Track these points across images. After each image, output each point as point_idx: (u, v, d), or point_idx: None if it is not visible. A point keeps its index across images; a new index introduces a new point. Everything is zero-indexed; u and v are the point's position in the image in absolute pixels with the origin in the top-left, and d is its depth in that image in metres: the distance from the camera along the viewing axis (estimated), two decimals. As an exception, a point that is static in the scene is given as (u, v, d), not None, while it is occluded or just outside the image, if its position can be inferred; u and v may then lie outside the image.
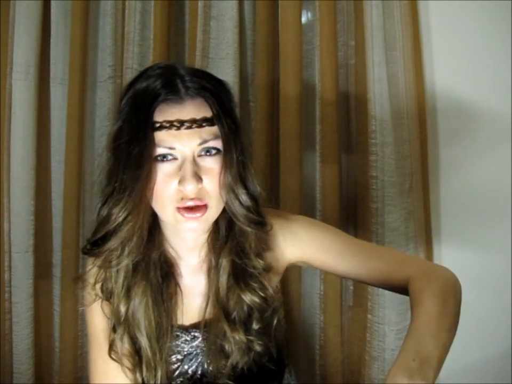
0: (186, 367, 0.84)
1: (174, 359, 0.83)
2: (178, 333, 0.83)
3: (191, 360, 0.83)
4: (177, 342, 0.83)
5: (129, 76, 1.26)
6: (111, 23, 1.29)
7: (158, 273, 0.81)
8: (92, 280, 0.82)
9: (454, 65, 1.30)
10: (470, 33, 1.28)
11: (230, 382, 0.80)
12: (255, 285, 0.81)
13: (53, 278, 1.36)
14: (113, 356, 0.80)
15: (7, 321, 1.32)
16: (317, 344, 1.35)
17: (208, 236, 0.83)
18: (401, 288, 0.81)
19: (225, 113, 0.74)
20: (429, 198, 1.32)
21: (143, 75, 0.76)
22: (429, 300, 0.73)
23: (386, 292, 1.25)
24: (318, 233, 0.87)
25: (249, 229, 0.78)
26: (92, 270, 0.82)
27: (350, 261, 0.84)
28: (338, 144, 1.29)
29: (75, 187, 1.30)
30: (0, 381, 1.33)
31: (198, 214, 0.73)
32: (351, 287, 1.36)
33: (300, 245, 0.86)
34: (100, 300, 0.82)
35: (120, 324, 0.79)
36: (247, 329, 0.81)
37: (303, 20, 1.30)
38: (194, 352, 0.83)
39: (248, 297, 0.80)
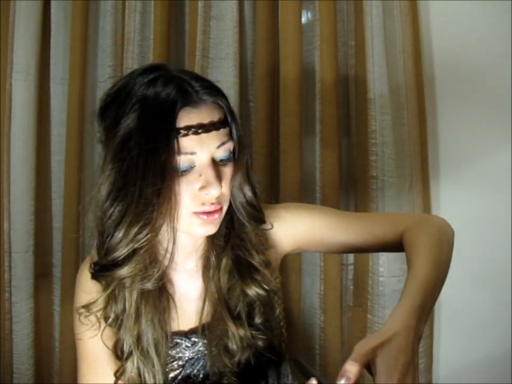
0: (188, 371, 0.83)
1: (176, 365, 0.83)
2: (178, 340, 0.82)
3: (192, 365, 0.83)
4: (177, 349, 0.83)
5: (129, 76, 1.26)
6: (111, 23, 1.29)
7: (157, 290, 0.78)
8: (98, 308, 0.78)
9: (454, 65, 1.30)
10: (470, 33, 1.28)
11: (234, 380, 0.80)
12: (259, 278, 0.81)
13: (53, 278, 1.36)
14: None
15: (7, 321, 1.32)
16: (317, 344, 1.35)
17: (207, 238, 0.82)
18: (397, 245, 0.82)
19: (233, 114, 0.74)
20: (429, 198, 1.32)
21: (136, 82, 0.71)
22: (424, 247, 0.74)
23: (386, 291, 1.25)
24: (307, 214, 0.87)
25: (250, 225, 0.79)
26: (99, 296, 0.77)
27: (343, 234, 0.85)
28: (338, 144, 1.29)
29: (75, 187, 1.30)
30: (0, 381, 1.33)
31: (216, 216, 0.72)
32: (351, 287, 1.36)
33: (292, 230, 0.86)
34: (101, 326, 0.78)
35: (132, 354, 0.76)
36: (250, 325, 0.80)
37: (303, 20, 1.30)
38: (196, 357, 0.82)
39: (253, 291, 0.80)
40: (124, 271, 0.71)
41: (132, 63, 1.27)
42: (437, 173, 1.34)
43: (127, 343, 0.77)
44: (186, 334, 0.83)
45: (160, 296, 0.79)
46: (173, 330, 0.82)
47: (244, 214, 0.77)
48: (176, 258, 0.80)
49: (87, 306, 0.77)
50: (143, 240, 0.68)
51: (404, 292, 0.67)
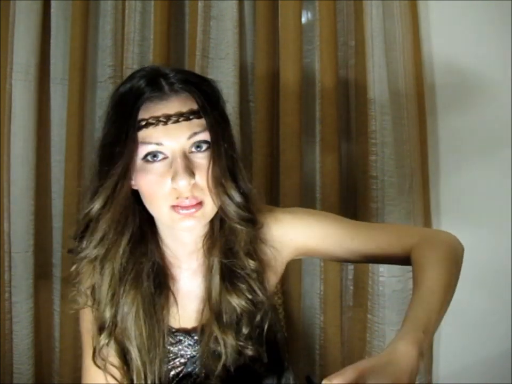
0: (189, 369, 0.83)
1: (178, 363, 0.83)
2: (181, 338, 0.83)
3: (194, 363, 0.83)
4: (180, 347, 0.83)
5: (129, 75, 1.26)
6: (111, 23, 1.29)
7: (151, 283, 0.79)
8: (83, 283, 0.81)
9: (454, 65, 1.30)
10: (470, 33, 1.28)
11: None
12: (242, 286, 0.79)
13: (53, 278, 1.36)
14: (97, 363, 0.78)
15: (7, 321, 1.32)
16: (317, 344, 1.35)
17: (204, 237, 0.82)
18: (404, 260, 0.81)
19: (212, 106, 0.73)
20: (429, 198, 1.32)
21: (127, 78, 0.77)
22: (433, 268, 0.73)
23: (386, 291, 1.25)
24: (315, 221, 0.85)
25: (239, 226, 0.77)
26: (78, 271, 0.81)
27: (350, 244, 0.83)
28: (338, 144, 1.29)
29: (75, 187, 1.30)
30: (0, 381, 1.33)
31: (193, 210, 0.71)
32: (351, 287, 1.36)
33: (298, 236, 0.84)
34: (90, 306, 0.81)
35: (104, 330, 0.78)
36: (237, 333, 0.79)
37: (303, 20, 1.30)
38: (197, 355, 0.83)
39: (235, 300, 0.78)
40: (89, 239, 0.76)
41: (132, 63, 1.27)
42: (437, 173, 1.34)
43: (105, 318, 0.79)
44: (189, 332, 0.83)
45: (161, 291, 0.80)
46: (175, 327, 0.82)
47: (229, 214, 0.75)
48: (177, 255, 0.82)
49: (67, 279, 0.83)
50: (96, 209, 0.74)
51: (409, 315, 0.66)
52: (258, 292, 0.80)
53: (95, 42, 1.33)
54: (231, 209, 0.75)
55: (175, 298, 0.82)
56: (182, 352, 0.83)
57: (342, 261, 0.92)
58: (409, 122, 1.26)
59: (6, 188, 1.30)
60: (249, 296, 0.79)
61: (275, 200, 1.29)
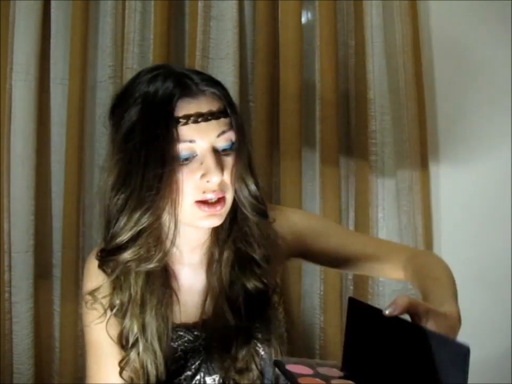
0: (189, 364, 0.84)
1: (178, 358, 0.84)
2: (181, 333, 0.83)
3: (193, 358, 0.84)
4: (179, 342, 0.83)
5: (129, 76, 1.26)
6: (111, 23, 1.29)
7: (161, 281, 0.79)
8: (103, 294, 0.79)
9: (454, 65, 1.30)
10: (470, 33, 1.28)
11: (233, 374, 0.81)
12: (259, 272, 0.82)
13: (53, 278, 1.36)
14: (123, 376, 0.78)
15: (7, 321, 1.32)
16: (317, 344, 1.35)
17: (212, 231, 0.83)
18: (395, 271, 0.86)
19: (234, 105, 0.77)
20: (429, 198, 1.32)
21: (140, 80, 0.76)
22: (438, 271, 0.78)
23: (386, 291, 1.25)
24: (314, 215, 0.91)
25: (254, 218, 0.79)
26: (105, 283, 0.79)
27: (341, 245, 0.88)
28: (338, 144, 1.29)
29: (75, 187, 1.30)
30: (0, 381, 1.33)
31: (218, 208, 0.73)
32: (351, 287, 1.36)
33: (298, 234, 0.88)
34: (107, 315, 0.79)
35: (137, 343, 0.77)
36: (249, 319, 0.81)
37: (303, 20, 1.30)
38: (197, 350, 0.83)
39: (252, 285, 0.81)
40: (128, 254, 0.73)
41: (132, 63, 1.27)
42: (437, 173, 1.34)
43: (132, 331, 0.78)
44: (189, 328, 0.83)
45: (164, 288, 0.81)
46: (176, 323, 0.83)
47: (247, 207, 0.78)
48: (182, 251, 0.83)
49: (92, 293, 0.79)
50: (145, 224, 0.71)
51: (434, 289, 0.71)
52: (272, 277, 0.83)
53: (95, 42, 1.33)
54: (250, 201, 0.78)
55: (176, 295, 0.83)
56: (182, 347, 0.83)
57: (337, 267, 0.94)
58: (409, 122, 1.26)
59: (6, 187, 1.30)
60: (265, 280, 0.82)
61: (275, 200, 1.29)
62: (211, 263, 0.84)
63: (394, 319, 0.56)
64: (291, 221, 0.89)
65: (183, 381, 0.82)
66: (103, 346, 0.80)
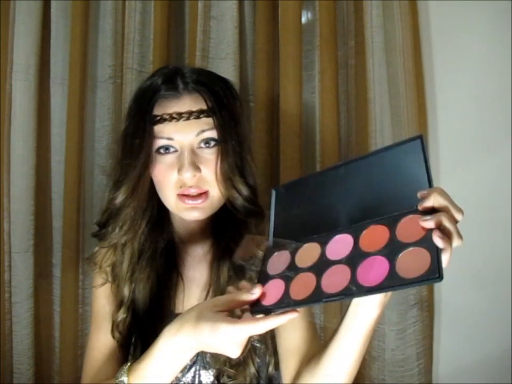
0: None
1: None
2: None
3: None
4: None
5: (129, 76, 1.26)
6: (111, 23, 1.29)
7: (163, 261, 0.86)
8: (101, 262, 0.88)
9: (454, 65, 1.30)
10: (470, 33, 1.28)
11: (229, 370, 0.83)
12: (252, 274, 0.84)
13: (53, 278, 1.36)
14: (114, 335, 0.85)
15: (7, 321, 1.32)
16: (317, 344, 1.35)
17: (213, 227, 0.86)
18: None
19: (222, 106, 0.79)
20: (429, 198, 1.32)
21: (150, 75, 0.83)
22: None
23: (386, 291, 1.25)
24: None
25: (247, 219, 0.82)
26: (100, 252, 0.88)
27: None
28: (338, 144, 1.29)
29: (75, 187, 1.30)
30: (0, 381, 1.33)
31: (199, 201, 0.77)
32: (351, 287, 1.35)
33: None
34: (109, 282, 0.88)
35: (123, 305, 0.85)
36: None
37: (303, 20, 1.30)
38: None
39: (251, 281, 0.81)
40: (111, 227, 0.83)
41: (132, 63, 1.27)
42: (437, 173, 1.34)
43: (123, 295, 0.86)
44: None
45: (171, 271, 0.87)
46: (178, 313, 0.84)
47: (238, 207, 0.81)
48: (188, 242, 0.89)
49: (89, 258, 0.90)
50: (118, 205, 0.81)
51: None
52: None
53: (95, 42, 1.33)
54: (239, 202, 0.80)
55: (183, 282, 0.87)
56: None
57: None
58: (409, 122, 1.26)
59: (6, 187, 1.30)
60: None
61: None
62: (214, 259, 0.87)
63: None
64: None
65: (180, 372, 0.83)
66: (102, 311, 0.88)
